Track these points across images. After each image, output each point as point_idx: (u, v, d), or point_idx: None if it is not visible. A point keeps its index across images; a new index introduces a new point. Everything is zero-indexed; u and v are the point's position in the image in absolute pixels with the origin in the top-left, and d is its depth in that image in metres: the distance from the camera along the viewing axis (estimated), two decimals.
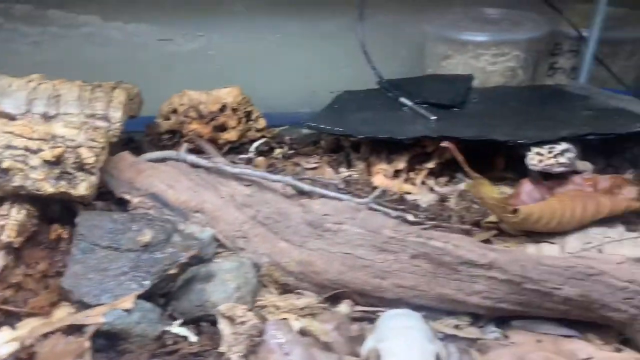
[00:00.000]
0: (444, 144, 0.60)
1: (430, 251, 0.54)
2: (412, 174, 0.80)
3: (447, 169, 0.82)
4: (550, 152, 0.70)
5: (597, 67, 1.05)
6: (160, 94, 0.87)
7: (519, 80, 1.03)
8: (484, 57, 1.01)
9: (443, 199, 0.76)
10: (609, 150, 0.85)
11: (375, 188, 0.78)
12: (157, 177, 0.67)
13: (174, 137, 0.83)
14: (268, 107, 0.91)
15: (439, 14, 1.11)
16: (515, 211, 0.60)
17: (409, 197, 0.77)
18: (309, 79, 1.00)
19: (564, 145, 0.71)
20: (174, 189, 0.66)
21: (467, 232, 0.67)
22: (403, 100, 0.83)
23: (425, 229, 0.66)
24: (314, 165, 0.80)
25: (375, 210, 0.62)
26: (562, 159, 0.70)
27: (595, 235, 0.65)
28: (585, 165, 0.77)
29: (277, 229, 0.62)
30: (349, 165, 0.83)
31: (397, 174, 0.80)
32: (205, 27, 0.97)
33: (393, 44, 1.11)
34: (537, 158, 0.70)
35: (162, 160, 0.71)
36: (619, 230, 0.66)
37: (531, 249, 0.63)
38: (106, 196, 0.70)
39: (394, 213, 0.62)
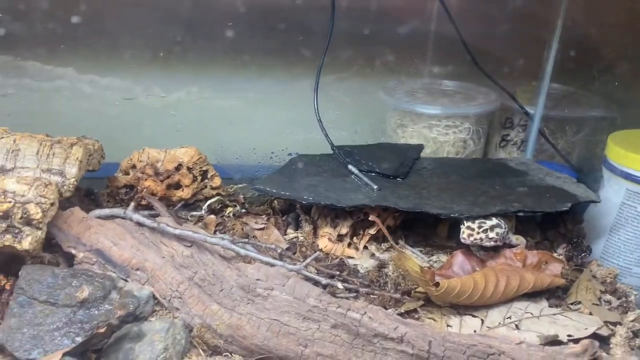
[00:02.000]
0: (371, 217, 0.63)
1: (348, 322, 0.57)
2: (355, 239, 0.84)
3: (391, 235, 0.86)
4: (480, 228, 0.74)
5: (546, 142, 1.12)
6: (126, 147, 0.91)
7: (470, 151, 1.09)
8: (437, 128, 1.07)
9: (382, 265, 0.79)
10: (547, 224, 0.90)
11: (319, 251, 0.82)
12: (103, 233, 0.70)
13: (131, 192, 0.86)
14: (227, 165, 0.95)
15: (400, 83, 1.18)
16: (436, 284, 0.64)
17: (350, 262, 0.80)
18: (270, 139, 1.05)
19: (494, 221, 0.76)
20: (118, 246, 0.69)
21: (398, 301, 0.70)
22: (351, 168, 0.87)
23: (356, 296, 0.69)
24: (262, 226, 0.83)
25: (307, 276, 0.65)
26: (491, 234, 0.74)
27: (517, 310, 0.69)
28: (519, 240, 0.81)
29: (211, 291, 0.64)
30: (297, 227, 0.86)
31: (341, 238, 0.83)
32: (171, 87, 1.03)
33: (358, 110, 1.18)
34: (467, 232, 0.74)
35: (111, 217, 0.74)
36: (540, 306, 0.70)
37: (454, 320, 0.66)
38: (55, 248, 0.73)
39: (324, 280, 0.65)
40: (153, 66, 1.04)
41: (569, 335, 0.63)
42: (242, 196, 0.91)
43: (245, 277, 0.64)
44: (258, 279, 0.64)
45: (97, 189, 0.89)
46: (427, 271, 0.67)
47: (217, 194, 0.90)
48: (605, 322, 0.68)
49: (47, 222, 0.67)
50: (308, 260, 0.67)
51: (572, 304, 0.73)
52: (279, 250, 0.72)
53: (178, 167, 0.86)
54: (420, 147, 0.99)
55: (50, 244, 0.73)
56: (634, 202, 0.86)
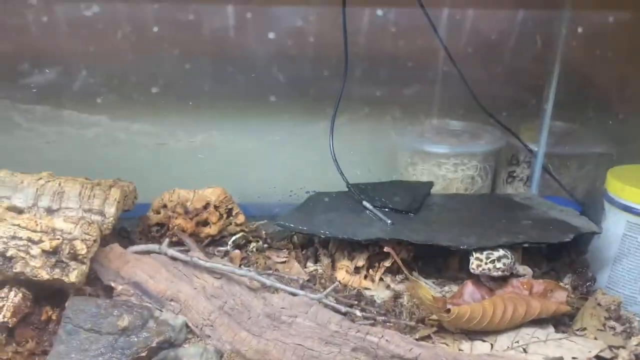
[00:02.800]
0: (386, 249, 0.69)
1: (367, 345, 0.62)
2: (371, 271, 0.89)
3: (405, 267, 0.91)
4: (487, 258, 0.80)
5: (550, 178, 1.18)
6: (157, 188, 0.99)
7: (478, 187, 1.15)
8: (445, 166, 1.14)
9: (397, 295, 0.84)
10: (552, 255, 0.95)
11: (338, 282, 0.87)
12: (140, 267, 0.77)
13: (162, 230, 0.93)
14: (250, 203, 1.02)
15: (410, 124, 1.25)
16: (448, 311, 0.69)
17: (367, 293, 0.85)
18: (289, 178, 1.12)
19: (500, 252, 0.81)
20: (154, 279, 0.75)
21: (413, 328, 0.75)
22: (365, 204, 0.94)
23: (373, 324, 0.74)
24: (284, 259, 0.89)
25: (327, 305, 0.71)
26: (498, 264, 0.80)
27: (525, 335, 0.73)
28: (525, 270, 0.86)
29: (240, 320, 0.70)
30: (316, 260, 0.92)
31: (357, 270, 0.89)
32: (197, 131, 1.11)
33: (371, 150, 1.25)
34: (476, 263, 0.80)
35: (147, 252, 0.81)
36: (547, 331, 0.74)
37: (465, 345, 0.71)
38: (95, 282, 0.80)
39: (344, 309, 0.70)
40: (181, 113, 1.13)
41: (573, 358, 0.67)
42: (264, 232, 0.98)
43: (271, 306, 0.70)
44: (283, 307, 0.69)
45: (130, 227, 0.96)
46: (440, 299, 0.72)
47: (241, 230, 0.96)
48: (610, 346, 0.72)
49: (91, 257, 0.74)
50: (328, 289, 0.72)
51: (577, 330, 0.78)
52: (300, 281, 0.77)
53: (206, 206, 0.93)
54: (430, 184, 1.06)
55: (89, 278, 0.79)
56: (635, 233, 0.90)
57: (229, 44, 1.12)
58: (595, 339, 0.75)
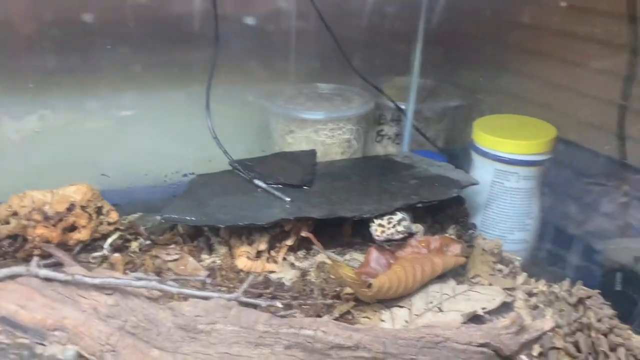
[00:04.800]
0: (304, 234, 0.65)
1: (302, 340, 0.58)
2: (273, 252, 0.85)
3: (304, 243, 0.89)
4: (389, 223, 0.80)
5: (415, 132, 1.23)
6: None
7: (354, 149, 1.16)
8: (323, 132, 1.11)
9: (304, 273, 0.81)
10: (434, 208, 1.00)
11: (240, 271, 0.81)
12: (4, 297, 0.62)
13: (16, 243, 0.77)
14: (116, 193, 0.89)
15: (277, 89, 1.20)
16: (369, 286, 0.68)
17: (273, 276, 0.81)
18: (161, 161, 1.00)
19: (399, 215, 0.82)
20: (26, 309, 0.62)
21: (330, 307, 0.73)
22: (257, 182, 0.88)
23: (289, 310, 0.71)
24: (175, 256, 0.80)
25: (247, 303, 0.65)
26: (400, 228, 0.81)
27: (435, 293, 0.76)
28: (418, 228, 0.89)
29: (147, 337, 0.61)
30: (211, 251, 0.85)
31: (259, 254, 0.83)
32: (34, 113, 0.93)
33: (244, 119, 1.18)
34: (379, 230, 0.80)
35: (10, 277, 0.66)
36: (451, 286, 0.78)
37: (385, 315, 0.71)
38: None
39: (265, 303, 0.65)
40: (10, 92, 0.93)
41: (483, 308, 0.71)
42: (141, 227, 0.86)
43: (182, 316, 0.62)
44: (197, 315, 0.62)
45: None
46: (358, 274, 0.70)
47: (116, 229, 0.84)
48: (505, 289, 0.79)
49: None
50: (244, 285, 0.66)
51: (472, 278, 0.83)
52: (209, 281, 0.70)
53: (70, 208, 0.79)
54: (313, 152, 1.03)
55: None
56: (501, 179, 0.99)
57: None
58: (490, 284, 0.81)
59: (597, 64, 1.07)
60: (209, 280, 0.68)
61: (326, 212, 0.81)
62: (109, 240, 0.81)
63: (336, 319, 0.71)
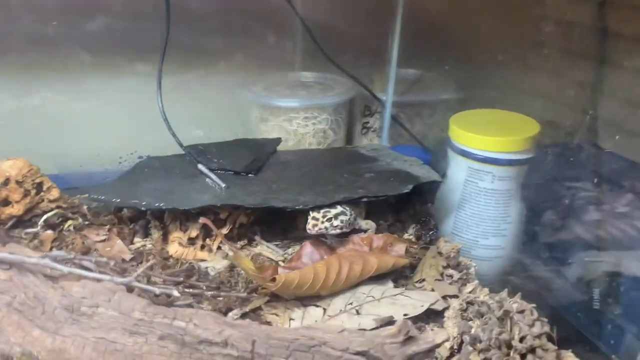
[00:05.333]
0: (201, 220, 0.61)
1: (174, 332, 0.54)
2: (208, 241, 0.81)
3: (249, 232, 0.85)
4: (324, 217, 0.75)
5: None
6: None
7: (332, 140, 1.10)
8: (296, 121, 1.07)
9: (234, 265, 0.77)
10: (398, 206, 0.93)
11: (169, 257, 0.78)
12: None
13: None
14: (71, 174, 0.89)
15: (261, 77, 1.16)
16: (273, 280, 0.63)
17: (202, 265, 0.77)
18: (117, 143, 0.99)
19: (338, 209, 0.76)
20: None
21: (245, 300, 0.69)
22: (201, 167, 0.85)
23: (200, 301, 0.67)
24: (104, 237, 0.78)
25: (141, 288, 0.62)
26: (335, 222, 0.75)
27: (361, 294, 0.70)
28: (368, 224, 0.83)
29: (32, 316, 0.59)
30: (146, 235, 0.82)
31: (193, 241, 0.80)
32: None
33: (219, 107, 1.15)
34: (312, 222, 0.74)
35: None
36: (385, 287, 0.72)
37: (297, 313, 0.66)
38: None
39: (159, 290, 0.62)
40: None
41: (404, 315, 0.65)
42: (85, 207, 0.85)
43: (70, 297, 0.60)
44: (84, 297, 0.59)
45: None
46: (268, 267, 0.66)
47: (57, 207, 0.83)
48: (444, 297, 0.71)
49: None
50: (140, 270, 0.63)
51: (417, 282, 0.76)
52: (112, 264, 0.67)
53: (6, 182, 0.79)
54: (277, 141, 0.99)
55: None
56: (475, 179, 0.90)
57: None
58: (432, 290, 0.73)
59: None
60: (93, 259, 0.65)
61: (258, 200, 0.76)
62: (45, 217, 0.80)
63: (244, 314, 0.66)
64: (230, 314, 0.66)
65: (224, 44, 1.15)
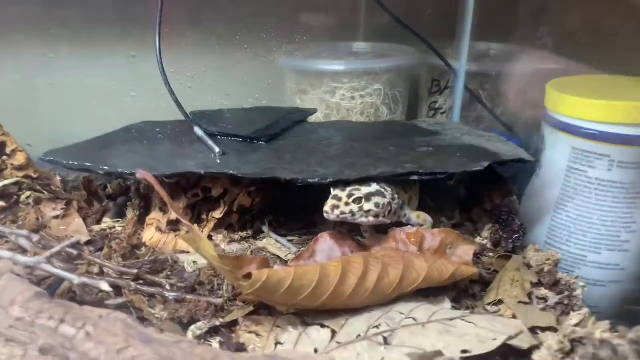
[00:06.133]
0: (138, 174, 0.40)
1: (58, 343, 0.33)
2: (197, 227, 0.60)
3: (257, 220, 0.62)
4: (350, 197, 0.50)
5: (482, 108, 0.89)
6: None
7: (384, 120, 0.86)
8: (341, 92, 0.84)
9: None
10: (469, 198, 0.67)
11: (141, 246, 0.58)
12: None
13: None
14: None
15: (305, 46, 0.95)
16: (248, 276, 0.40)
17: (182, 258, 0.56)
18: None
19: (372, 188, 0.52)
20: None
21: (221, 310, 0.46)
22: (197, 130, 0.64)
23: (153, 305, 0.45)
24: (58, 213, 0.59)
25: (53, 274, 0.41)
26: (367, 205, 0.51)
27: (397, 314, 0.45)
28: (421, 218, 0.57)
29: None
30: (120, 214, 0.63)
31: (175, 226, 0.59)
32: None
33: (262, 76, 0.96)
34: (331, 203, 0.50)
35: None
36: (435, 308, 0.46)
37: (291, 335, 0.42)
38: None
39: (78, 279, 0.41)
40: None
41: (463, 351, 0.39)
42: (59, 179, 0.67)
43: None
44: None
45: None
46: (234, 259, 0.42)
47: (26, 176, 0.66)
48: (534, 328, 0.44)
49: None
50: (56, 249, 0.42)
51: (490, 303, 0.50)
52: (35, 239, 0.47)
53: None
54: (310, 111, 0.76)
55: None
56: (582, 165, 0.63)
57: None
58: (514, 317, 0.47)
59: None
60: (36, 239, 0.45)
61: (259, 170, 0.54)
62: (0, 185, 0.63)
63: (214, 329, 0.44)
64: (192, 327, 0.44)
65: (267, 9, 0.96)
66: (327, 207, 0.50)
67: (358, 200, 0.50)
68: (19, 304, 0.35)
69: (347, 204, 0.50)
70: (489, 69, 0.88)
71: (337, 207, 0.50)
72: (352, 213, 0.50)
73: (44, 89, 0.81)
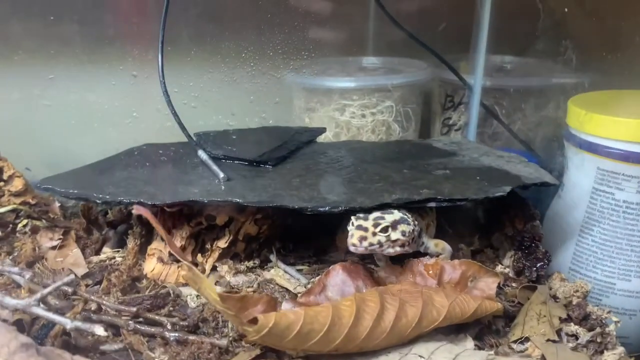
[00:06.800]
0: (135, 208, 0.37)
1: None
2: (200, 257, 0.56)
3: (265, 249, 0.59)
4: (376, 226, 0.47)
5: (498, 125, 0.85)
6: None
7: (397, 138, 0.83)
8: (350, 109, 0.81)
9: (232, 293, 0.52)
10: (489, 224, 0.63)
11: (142, 278, 0.55)
12: None
13: None
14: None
15: (313, 62, 0.92)
16: (254, 321, 0.36)
17: (184, 291, 0.53)
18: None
19: (396, 215, 0.48)
20: None
21: (225, 352, 0.43)
22: (201, 154, 0.61)
23: (165, 344, 0.42)
24: (56, 243, 0.56)
25: (43, 317, 0.38)
26: (395, 235, 0.47)
27: (416, 357, 0.41)
28: (439, 246, 0.54)
29: None
30: (120, 243, 0.60)
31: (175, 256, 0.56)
32: None
33: (266, 97, 0.93)
34: (358, 234, 0.46)
35: None
36: (458, 349, 0.42)
37: None
38: None
39: (70, 324, 0.38)
40: None
41: None
42: (58, 205, 0.65)
43: None
44: None
45: None
46: (237, 299, 0.39)
47: (24, 203, 0.63)
48: None
49: None
50: (48, 290, 0.39)
51: (515, 341, 0.46)
52: (27, 276, 0.44)
53: None
54: (319, 131, 0.73)
55: None
56: (609, 187, 0.60)
57: None
58: (542, 358, 0.43)
59: None
60: (28, 276, 0.42)
61: (264, 198, 0.50)
62: None
63: None
64: None
65: (274, 24, 0.94)
66: (354, 240, 0.46)
67: (385, 230, 0.47)
68: (4, 356, 0.32)
69: (374, 234, 0.46)
70: (506, 83, 0.84)
71: (365, 238, 0.46)
72: (380, 244, 0.47)
73: (44, 110, 0.78)
